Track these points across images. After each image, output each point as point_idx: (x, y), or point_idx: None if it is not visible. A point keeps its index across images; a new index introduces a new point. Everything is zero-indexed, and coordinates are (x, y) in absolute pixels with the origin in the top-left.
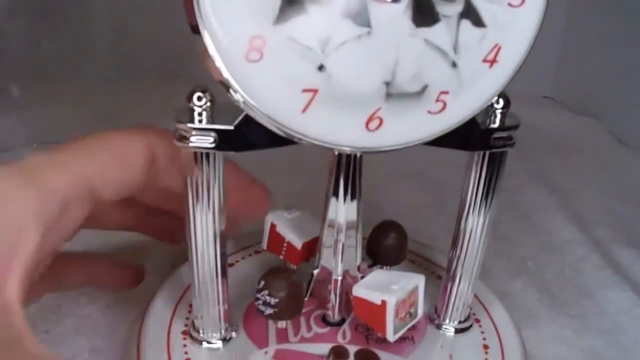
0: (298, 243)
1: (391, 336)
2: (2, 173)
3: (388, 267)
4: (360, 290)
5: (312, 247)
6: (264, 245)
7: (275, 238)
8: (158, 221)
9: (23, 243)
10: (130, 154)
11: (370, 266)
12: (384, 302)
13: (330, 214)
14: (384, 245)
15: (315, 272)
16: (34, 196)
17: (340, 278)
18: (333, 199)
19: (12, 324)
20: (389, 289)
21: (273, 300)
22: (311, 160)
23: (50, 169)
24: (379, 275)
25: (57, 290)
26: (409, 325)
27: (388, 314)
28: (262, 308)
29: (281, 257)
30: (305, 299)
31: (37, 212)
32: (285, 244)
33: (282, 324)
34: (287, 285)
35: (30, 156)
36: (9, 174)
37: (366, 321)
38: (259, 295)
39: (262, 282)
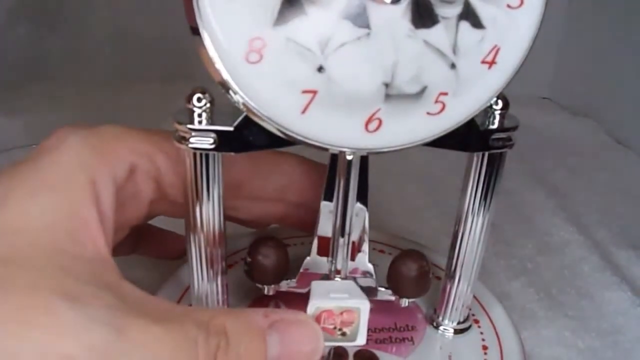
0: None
1: (363, 340)
2: (74, 134)
3: (411, 300)
4: (313, 284)
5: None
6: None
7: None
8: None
9: (99, 202)
10: None
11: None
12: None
13: (331, 217)
14: (403, 276)
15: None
16: (103, 161)
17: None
18: (337, 201)
19: (108, 270)
20: (326, 295)
21: (248, 259)
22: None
23: (120, 138)
24: (345, 284)
25: None
26: (338, 344)
27: (308, 314)
28: (244, 266)
29: (272, 286)
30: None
31: (106, 172)
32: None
33: (266, 289)
34: (259, 248)
35: (104, 124)
36: (81, 136)
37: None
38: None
39: (251, 243)
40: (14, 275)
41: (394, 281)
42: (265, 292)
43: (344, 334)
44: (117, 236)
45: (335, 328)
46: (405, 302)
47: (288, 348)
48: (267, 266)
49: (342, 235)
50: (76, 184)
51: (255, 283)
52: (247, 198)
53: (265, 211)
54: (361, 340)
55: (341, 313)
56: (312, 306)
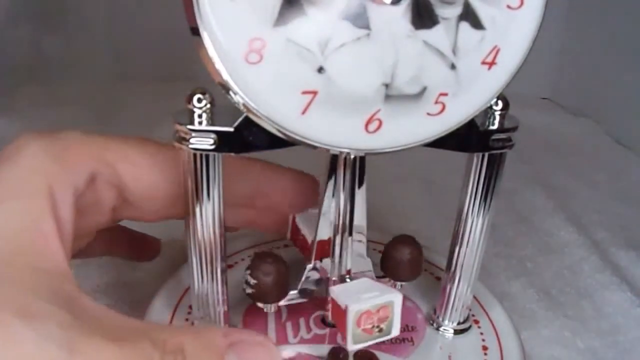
0: (309, 238)
1: (350, 345)
2: (33, 142)
3: (402, 284)
4: (334, 291)
5: (326, 247)
6: (288, 235)
7: (295, 231)
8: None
9: (57, 212)
10: (167, 164)
11: (380, 277)
12: (346, 308)
13: (331, 216)
14: (397, 261)
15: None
16: (60, 169)
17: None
18: (336, 202)
19: (66, 284)
20: (357, 297)
21: (252, 281)
22: (311, 161)
23: (80, 146)
24: (362, 283)
25: (77, 256)
26: (376, 341)
27: (348, 321)
28: (244, 287)
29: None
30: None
31: (65, 180)
32: (301, 237)
33: (267, 307)
34: (262, 266)
35: (64, 130)
36: (40, 144)
37: (337, 324)
38: (245, 273)
39: (250, 262)
40: None
41: (388, 267)
42: (265, 310)
43: (380, 330)
44: (79, 243)
45: (373, 327)
46: (399, 285)
47: None
48: (270, 285)
49: (342, 235)
50: (34, 193)
51: (258, 303)
52: None
53: (234, 217)
54: (395, 331)
55: (378, 310)
56: (352, 311)
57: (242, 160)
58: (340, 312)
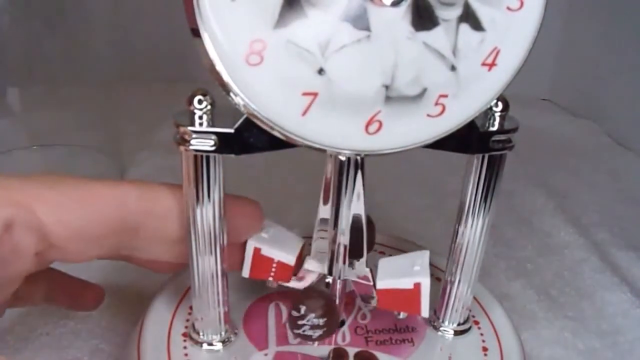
0: (291, 259)
1: (426, 313)
2: None
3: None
4: (385, 282)
5: (299, 260)
6: (246, 273)
7: (261, 262)
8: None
9: None
10: (93, 202)
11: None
12: (417, 285)
13: (333, 217)
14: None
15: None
16: None
17: (340, 281)
18: (335, 202)
19: None
20: (413, 271)
21: (322, 321)
22: (311, 162)
23: None
24: (388, 263)
25: (15, 305)
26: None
27: (423, 294)
28: (311, 332)
29: (270, 279)
30: None
31: None
32: (274, 265)
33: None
34: (326, 302)
35: None
36: None
37: (394, 308)
38: (303, 322)
39: (303, 308)
40: None
41: None
42: (267, 284)
43: None
44: (5, 291)
45: None
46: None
47: None
48: (336, 315)
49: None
50: None
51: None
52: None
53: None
54: (425, 312)
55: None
56: (425, 285)
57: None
58: (405, 294)
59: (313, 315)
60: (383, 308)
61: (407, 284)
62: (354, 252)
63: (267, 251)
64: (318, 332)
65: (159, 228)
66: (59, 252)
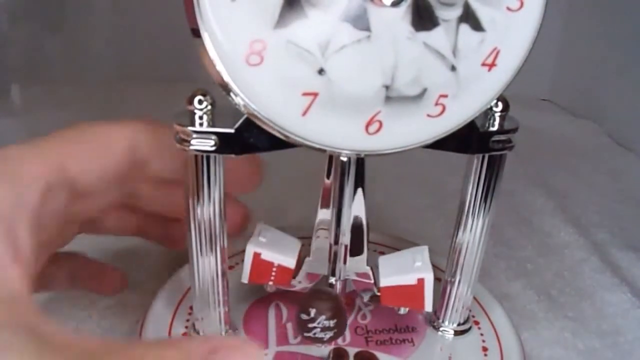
0: (291, 262)
1: (430, 307)
2: None
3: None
4: (389, 280)
5: (299, 263)
6: (245, 279)
7: (261, 266)
8: (159, 227)
9: (12, 234)
10: (108, 143)
11: None
12: (421, 280)
13: (333, 218)
14: None
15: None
16: (10, 187)
17: (340, 281)
18: (335, 202)
19: (25, 311)
20: (415, 267)
21: (332, 322)
22: (312, 163)
23: (26, 159)
24: (389, 261)
25: (40, 290)
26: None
27: (427, 289)
28: (322, 335)
29: (270, 282)
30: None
31: (19, 203)
32: (274, 269)
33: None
34: (334, 303)
35: (4, 147)
36: None
37: (398, 304)
38: (314, 325)
39: (313, 310)
40: None
41: None
42: (266, 288)
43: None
44: (43, 256)
45: None
46: (402, 310)
47: None
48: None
49: (340, 237)
50: None
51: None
52: (151, 181)
53: (169, 199)
54: (429, 307)
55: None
56: (429, 280)
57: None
58: (408, 289)
59: (323, 317)
60: (386, 305)
61: (410, 280)
62: (354, 251)
63: (267, 255)
64: (329, 334)
65: (162, 166)
66: (83, 203)
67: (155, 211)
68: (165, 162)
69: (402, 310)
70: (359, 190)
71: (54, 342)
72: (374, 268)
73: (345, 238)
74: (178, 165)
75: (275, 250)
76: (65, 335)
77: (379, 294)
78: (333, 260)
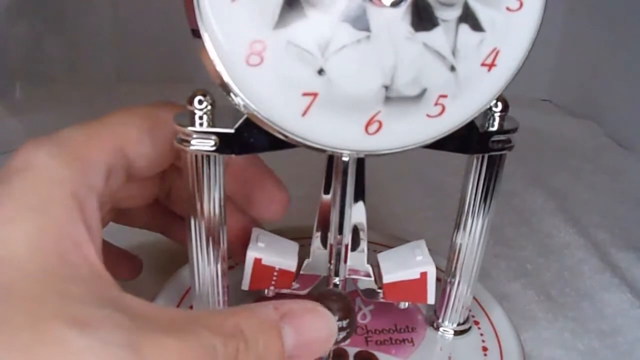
0: (292, 266)
1: (432, 300)
2: (41, 150)
3: None
4: (392, 276)
5: (299, 265)
6: (246, 286)
7: (262, 272)
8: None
9: (86, 214)
10: (162, 127)
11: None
12: (424, 274)
13: (334, 218)
14: None
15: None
16: (80, 170)
17: (341, 281)
18: (335, 203)
19: (108, 286)
20: (417, 261)
21: (345, 322)
22: (311, 163)
23: (88, 142)
24: (389, 257)
25: None
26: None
27: (430, 282)
28: (336, 337)
29: (271, 287)
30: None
31: (89, 185)
32: (275, 273)
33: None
34: (346, 302)
35: (64, 131)
36: (49, 151)
37: (401, 299)
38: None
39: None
40: (11, 310)
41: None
42: (266, 293)
43: None
44: (98, 240)
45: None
46: (404, 304)
47: (303, 338)
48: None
49: (342, 237)
50: (58, 202)
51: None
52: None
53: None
54: (431, 300)
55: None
56: (432, 273)
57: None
58: (411, 284)
59: (336, 318)
60: (389, 300)
61: (413, 274)
62: (354, 248)
63: (268, 260)
64: (342, 334)
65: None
66: (131, 189)
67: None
68: None
69: (403, 305)
70: (359, 190)
71: (141, 314)
72: (374, 266)
73: (346, 238)
74: None
75: (275, 255)
76: (151, 307)
77: (379, 290)
78: (337, 260)
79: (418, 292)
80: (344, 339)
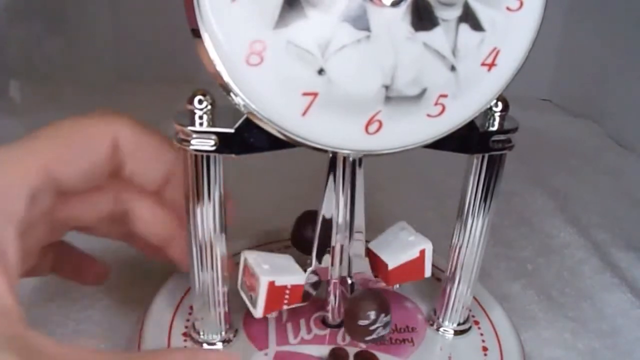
0: (302, 278)
1: (429, 273)
2: None
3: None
4: (395, 260)
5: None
6: (260, 313)
7: (276, 294)
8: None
9: (3, 243)
10: (91, 141)
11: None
12: (422, 251)
13: (334, 218)
14: (307, 236)
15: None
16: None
17: (338, 281)
18: (336, 203)
19: (13, 323)
20: (412, 241)
21: (389, 317)
22: (312, 163)
23: (9, 165)
24: (381, 244)
25: (23, 276)
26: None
27: (427, 258)
28: (384, 332)
29: (284, 307)
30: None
31: (4, 212)
32: (287, 291)
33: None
34: (383, 298)
35: None
36: None
37: (404, 280)
38: (376, 325)
39: (373, 312)
40: None
41: (297, 240)
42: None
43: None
44: (29, 260)
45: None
46: (396, 286)
47: None
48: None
49: (342, 236)
50: None
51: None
52: (141, 198)
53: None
54: (428, 273)
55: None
56: (429, 248)
57: (160, 138)
58: (411, 264)
59: (382, 314)
60: (393, 283)
61: (414, 254)
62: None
63: (280, 280)
64: (388, 328)
65: (135, 169)
66: (73, 208)
67: (142, 234)
68: (140, 166)
69: (396, 287)
70: (360, 190)
71: (43, 352)
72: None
73: (346, 239)
74: (153, 174)
75: (282, 273)
76: (54, 346)
77: (378, 278)
78: (340, 260)
79: (418, 270)
80: (388, 333)
